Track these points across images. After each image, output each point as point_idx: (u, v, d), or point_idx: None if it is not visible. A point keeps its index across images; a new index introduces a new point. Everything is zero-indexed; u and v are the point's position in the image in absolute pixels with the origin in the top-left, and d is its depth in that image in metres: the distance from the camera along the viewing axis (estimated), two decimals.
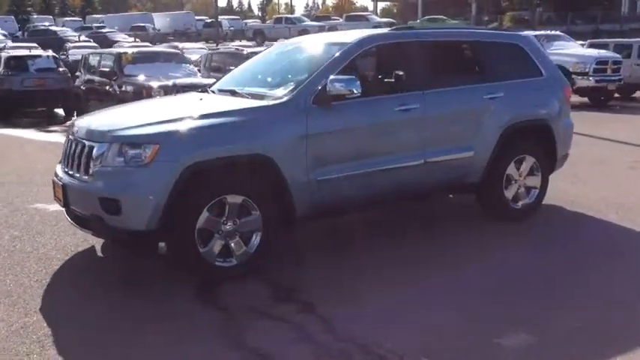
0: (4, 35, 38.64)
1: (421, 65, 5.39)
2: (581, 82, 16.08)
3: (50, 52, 17.39)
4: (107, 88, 11.85)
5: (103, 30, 40.88)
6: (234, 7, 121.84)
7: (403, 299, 4.17)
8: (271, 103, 4.75)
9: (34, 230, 5.65)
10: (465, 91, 5.58)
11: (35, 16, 59.98)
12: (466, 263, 4.88)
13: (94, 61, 13.35)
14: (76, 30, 44.62)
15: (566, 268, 4.78)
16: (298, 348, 3.53)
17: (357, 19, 44.77)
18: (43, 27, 42.43)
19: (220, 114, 4.58)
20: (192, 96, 5.52)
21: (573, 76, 15.91)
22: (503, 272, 4.71)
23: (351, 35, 5.39)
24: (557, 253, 5.16)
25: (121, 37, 36.48)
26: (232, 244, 4.45)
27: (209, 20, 51.82)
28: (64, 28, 42.42)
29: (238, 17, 62.92)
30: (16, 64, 15.84)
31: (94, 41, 33.22)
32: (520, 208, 5.95)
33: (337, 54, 5.03)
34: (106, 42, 31.95)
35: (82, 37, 36.42)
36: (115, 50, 13.66)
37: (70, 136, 4.76)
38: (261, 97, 4.96)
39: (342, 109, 4.83)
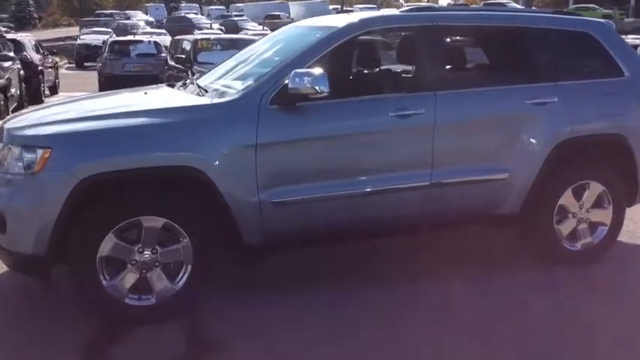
0: (147, 22, 40.72)
1: (435, 58, 4.09)
2: None
3: (153, 38, 17.55)
4: (182, 75, 11.41)
5: (235, 18, 41.74)
6: None
7: None
8: (213, 101, 3.75)
9: None
10: (497, 93, 4.20)
11: (183, 4, 63.04)
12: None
13: (176, 47, 13.07)
14: (216, 18, 46.12)
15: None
16: None
17: (494, 5, 42.04)
18: (180, 15, 44.30)
19: (144, 113, 3.64)
20: (140, 90, 4.59)
21: None
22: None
23: (347, 18, 4.22)
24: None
25: (250, 25, 36.88)
26: (151, 279, 3.54)
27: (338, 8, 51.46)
28: (198, 16, 43.97)
29: (375, 6, 61.81)
30: (120, 48, 16.25)
31: (226, 29, 33.87)
32: (579, 249, 4.49)
33: (314, 42, 3.91)
34: (235, 29, 32.39)
35: (216, 25, 37.33)
36: (192, 37, 13.21)
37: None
38: (221, 93, 3.98)
39: (312, 112, 3.73)
